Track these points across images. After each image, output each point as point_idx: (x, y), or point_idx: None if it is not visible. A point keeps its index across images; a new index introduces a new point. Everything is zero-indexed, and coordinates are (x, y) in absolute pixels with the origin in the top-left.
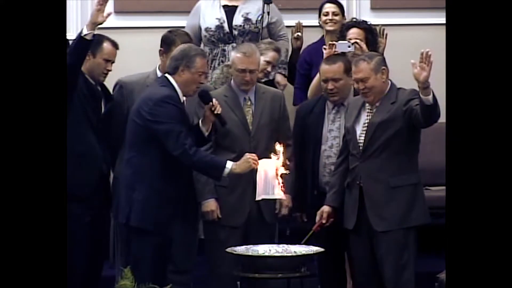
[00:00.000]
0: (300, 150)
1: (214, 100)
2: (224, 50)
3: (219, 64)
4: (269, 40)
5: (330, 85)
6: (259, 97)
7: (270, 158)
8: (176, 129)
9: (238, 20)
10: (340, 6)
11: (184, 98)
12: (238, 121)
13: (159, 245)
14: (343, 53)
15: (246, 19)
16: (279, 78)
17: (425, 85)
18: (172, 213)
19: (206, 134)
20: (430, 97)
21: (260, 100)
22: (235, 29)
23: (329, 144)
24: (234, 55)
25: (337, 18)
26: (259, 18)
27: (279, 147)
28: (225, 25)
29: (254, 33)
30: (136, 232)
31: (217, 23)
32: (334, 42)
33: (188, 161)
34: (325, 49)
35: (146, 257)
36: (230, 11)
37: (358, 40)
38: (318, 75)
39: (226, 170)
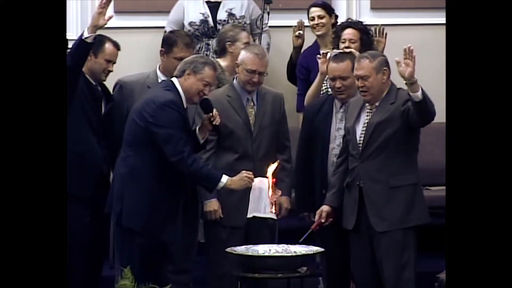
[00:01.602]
0: (308, 150)
1: (214, 111)
2: (208, 44)
3: None
4: (231, 24)
5: (338, 83)
6: (261, 98)
7: (270, 163)
8: (176, 135)
9: (222, 15)
10: (326, 8)
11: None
12: (241, 122)
13: (149, 247)
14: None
15: (230, 14)
16: None
17: (411, 81)
18: (165, 216)
19: (202, 141)
20: (419, 93)
21: (262, 101)
22: (219, 23)
23: (337, 142)
24: (245, 54)
25: (323, 21)
26: (260, 18)
27: (272, 167)
28: (210, 20)
29: None
30: (126, 232)
31: (202, 17)
32: (328, 51)
33: (184, 169)
34: (319, 58)
35: (135, 257)
36: (214, 6)
37: (353, 50)
38: (316, 80)
39: (221, 184)
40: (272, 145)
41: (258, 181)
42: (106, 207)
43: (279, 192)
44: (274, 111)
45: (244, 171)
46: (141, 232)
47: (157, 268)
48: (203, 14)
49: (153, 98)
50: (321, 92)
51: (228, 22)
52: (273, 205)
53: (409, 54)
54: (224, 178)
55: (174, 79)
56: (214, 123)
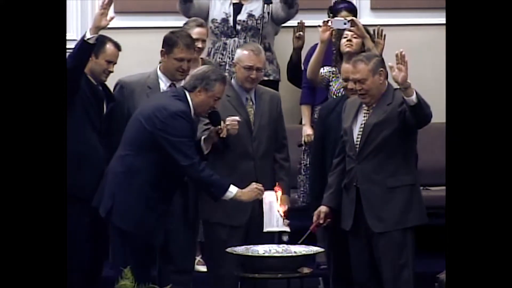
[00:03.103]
0: (321, 150)
1: (222, 124)
2: (225, 44)
3: (220, 58)
4: (193, 18)
5: (350, 85)
6: (259, 97)
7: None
8: (187, 143)
9: (242, 15)
10: (356, 14)
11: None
12: (242, 121)
13: (139, 247)
14: (339, 30)
15: (250, 15)
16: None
17: (405, 86)
18: (156, 219)
19: (206, 153)
20: (413, 97)
21: (260, 100)
22: (238, 24)
23: None
24: (241, 52)
25: None
26: (259, 17)
27: (277, 187)
28: (230, 19)
29: (257, 29)
30: (116, 230)
31: (224, 16)
32: (329, 19)
33: (195, 174)
34: (320, 26)
35: (126, 255)
36: (237, 8)
37: (354, 18)
38: (317, 49)
39: (230, 194)
40: (271, 143)
41: (267, 195)
42: (94, 200)
43: (288, 205)
44: (272, 110)
45: (254, 183)
46: (131, 232)
47: (145, 267)
48: (226, 13)
49: (165, 106)
50: (321, 74)
51: (247, 23)
52: (285, 219)
53: (401, 59)
54: (234, 189)
55: (186, 91)
56: (221, 135)
